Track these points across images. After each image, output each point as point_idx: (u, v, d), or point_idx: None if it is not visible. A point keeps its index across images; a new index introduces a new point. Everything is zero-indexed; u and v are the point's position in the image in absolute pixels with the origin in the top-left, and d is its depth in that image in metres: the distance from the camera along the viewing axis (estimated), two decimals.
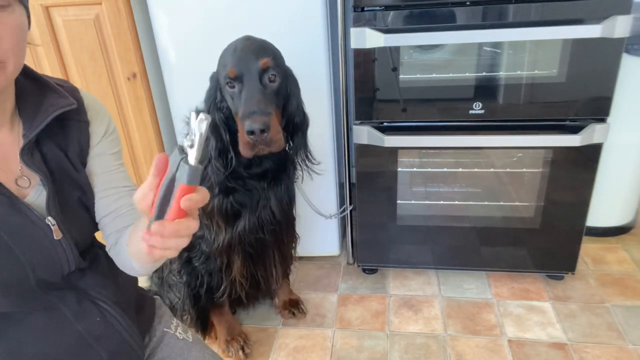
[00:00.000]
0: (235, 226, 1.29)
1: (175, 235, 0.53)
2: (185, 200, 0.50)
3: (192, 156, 0.48)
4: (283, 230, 1.42)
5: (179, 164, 0.49)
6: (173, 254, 0.57)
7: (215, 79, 1.18)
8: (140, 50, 1.66)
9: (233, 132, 1.19)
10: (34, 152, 0.71)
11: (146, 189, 0.54)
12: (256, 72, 1.09)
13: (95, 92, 1.70)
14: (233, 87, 1.11)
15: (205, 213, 1.28)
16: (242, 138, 1.10)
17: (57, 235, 0.70)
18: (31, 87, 0.73)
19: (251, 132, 1.05)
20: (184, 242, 0.55)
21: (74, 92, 0.77)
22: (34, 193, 0.71)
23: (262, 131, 1.05)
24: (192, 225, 0.54)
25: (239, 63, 1.09)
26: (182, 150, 0.49)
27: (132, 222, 0.81)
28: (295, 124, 1.22)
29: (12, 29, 0.62)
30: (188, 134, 0.48)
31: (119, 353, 0.79)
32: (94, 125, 0.79)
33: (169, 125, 1.84)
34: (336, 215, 1.82)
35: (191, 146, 0.48)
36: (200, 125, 0.47)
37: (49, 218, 0.70)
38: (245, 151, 1.12)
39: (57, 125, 0.73)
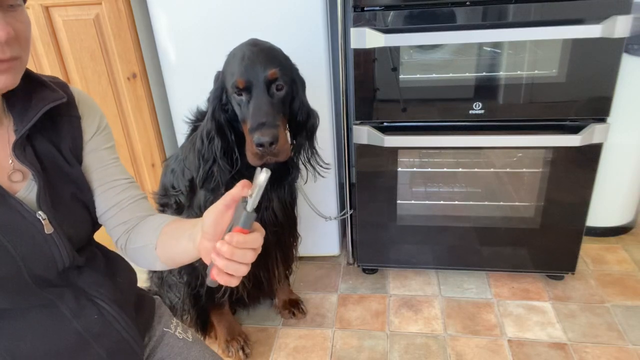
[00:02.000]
0: None
1: (231, 256, 0.59)
2: (231, 235, 0.58)
3: (250, 204, 0.57)
4: (285, 231, 1.42)
5: (238, 209, 0.59)
6: (233, 281, 0.62)
7: (221, 80, 1.18)
8: (140, 50, 1.66)
9: (238, 133, 1.19)
10: (26, 146, 0.72)
11: (217, 213, 0.61)
12: (263, 82, 1.09)
13: (95, 92, 1.70)
14: (240, 95, 1.11)
15: None
16: (251, 148, 1.11)
17: (47, 229, 0.70)
18: (19, 81, 0.73)
19: (260, 145, 1.07)
20: (243, 270, 0.61)
21: (63, 87, 0.78)
22: (25, 188, 0.71)
23: (271, 143, 1.07)
24: (247, 254, 0.60)
25: (247, 73, 1.09)
26: (245, 200, 0.59)
27: (136, 214, 0.82)
28: (297, 123, 1.23)
29: (26, 26, 0.66)
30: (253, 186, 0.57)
31: (117, 352, 0.79)
32: (86, 120, 0.80)
33: (169, 125, 1.84)
34: (336, 218, 1.82)
35: (251, 195, 0.57)
36: (259, 178, 0.56)
37: (40, 212, 0.70)
38: (253, 161, 1.13)
39: (48, 121, 0.74)
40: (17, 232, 0.68)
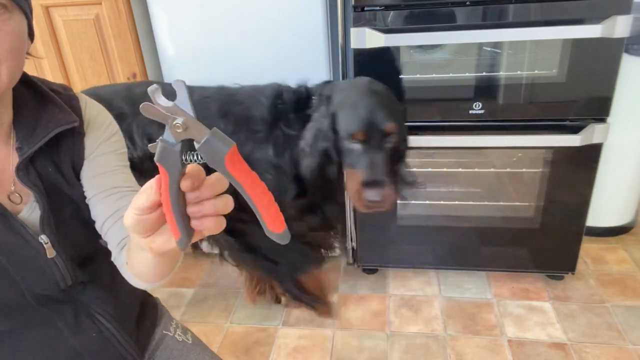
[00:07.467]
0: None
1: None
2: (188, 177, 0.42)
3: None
4: None
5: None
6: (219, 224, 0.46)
7: (330, 116, 1.14)
8: (140, 50, 1.66)
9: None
10: (29, 167, 0.68)
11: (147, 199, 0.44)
12: (380, 135, 1.10)
13: None
14: (354, 143, 1.12)
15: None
16: (357, 195, 1.12)
17: (50, 253, 0.68)
18: (29, 97, 0.70)
19: (371, 202, 1.10)
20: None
21: (71, 100, 0.73)
22: (27, 209, 0.69)
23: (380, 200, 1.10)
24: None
25: (366, 125, 1.09)
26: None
27: None
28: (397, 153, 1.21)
29: (8, 34, 0.60)
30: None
31: None
32: (90, 137, 0.74)
33: None
34: (341, 250, 1.83)
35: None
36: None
37: (42, 236, 0.68)
38: (356, 204, 1.16)
39: (51, 140, 0.69)
40: (19, 255, 0.66)
